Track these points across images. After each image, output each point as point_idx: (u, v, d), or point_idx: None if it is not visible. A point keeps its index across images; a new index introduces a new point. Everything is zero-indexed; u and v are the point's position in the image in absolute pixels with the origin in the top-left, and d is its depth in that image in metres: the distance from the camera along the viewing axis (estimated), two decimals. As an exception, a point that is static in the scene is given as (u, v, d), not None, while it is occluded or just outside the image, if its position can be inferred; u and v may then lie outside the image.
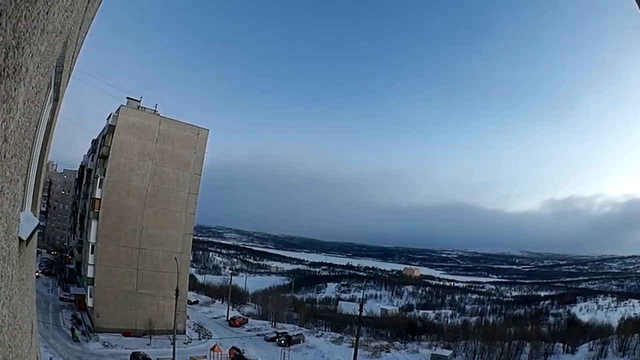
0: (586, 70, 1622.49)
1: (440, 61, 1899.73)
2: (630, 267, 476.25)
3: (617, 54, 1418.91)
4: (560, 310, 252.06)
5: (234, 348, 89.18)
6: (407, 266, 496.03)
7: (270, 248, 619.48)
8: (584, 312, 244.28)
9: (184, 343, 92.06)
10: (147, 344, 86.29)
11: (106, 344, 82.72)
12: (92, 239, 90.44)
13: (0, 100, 3.41)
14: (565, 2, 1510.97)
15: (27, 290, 7.25)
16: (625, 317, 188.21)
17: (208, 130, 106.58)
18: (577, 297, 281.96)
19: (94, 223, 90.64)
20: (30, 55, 4.18)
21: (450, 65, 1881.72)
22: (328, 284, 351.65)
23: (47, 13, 4.37)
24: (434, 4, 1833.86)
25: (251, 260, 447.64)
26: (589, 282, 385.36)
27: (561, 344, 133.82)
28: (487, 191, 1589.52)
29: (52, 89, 7.67)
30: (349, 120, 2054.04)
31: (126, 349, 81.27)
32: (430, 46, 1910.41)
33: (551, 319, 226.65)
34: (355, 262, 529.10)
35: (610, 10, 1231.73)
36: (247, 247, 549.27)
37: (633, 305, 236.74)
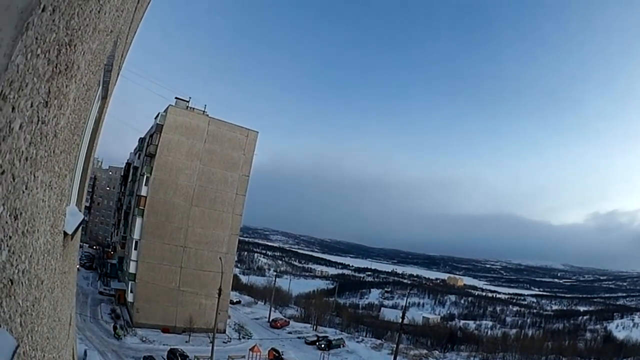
0: (633, 80, 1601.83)
1: (489, 70, 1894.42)
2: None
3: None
4: (598, 327, 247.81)
5: (273, 349, 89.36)
6: (451, 275, 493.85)
7: (316, 252, 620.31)
8: (620, 329, 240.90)
9: (223, 342, 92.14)
10: (186, 341, 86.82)
11: (144, 339, 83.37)
12: (136, 236, 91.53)
13: (52, 97, 3.54)
14: None
15: (68, 283, 7.41)
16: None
17: (257, 132, 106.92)
18: (615, 314, 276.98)
19: (138, 220, 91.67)
20: (82, 52, 4.34)
21: (499, 74, 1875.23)
22: (372, 289, 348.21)
23: (98, 11, 4.56)
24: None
25: (296, 263, 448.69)
26: (627, 299, 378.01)
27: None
28: (533, 202, 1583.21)
29: (101, 87, 7.91)
30: (400, 127, 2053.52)
31: (164, 345, 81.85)
32: (478, 56, 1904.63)
33: (588, 334, 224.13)
34: (400, 269, 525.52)
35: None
36: (293, 249, 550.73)
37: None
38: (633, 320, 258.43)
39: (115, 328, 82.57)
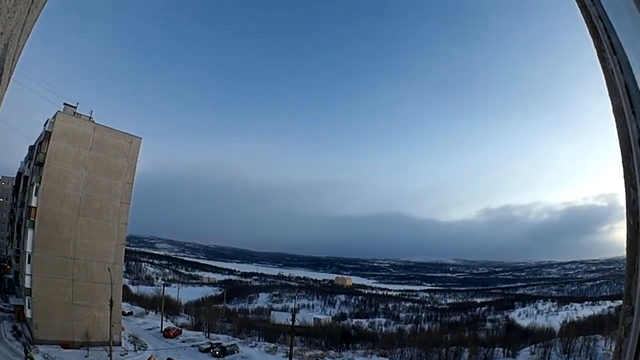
0: (530, 76, 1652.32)
1: (390, 65, 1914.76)
2: (571, 272, 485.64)
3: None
4: (498, 316, 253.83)
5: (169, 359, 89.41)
6: (339, 275, 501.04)
7: (202, 258, 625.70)
8: (523, 317, 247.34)
9: (121, 355, 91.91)
10: (85, 356, 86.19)
11: (46, 356, 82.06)
12: (28, 249, 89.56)
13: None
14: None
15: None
16: (568, 321, 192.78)
17: (141, 138, 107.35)
18: (515, 303, 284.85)
19: (30, 232, 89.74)
20: (-31, 54, 3.82)
21: (400, 71, 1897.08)
22: (260, 294, 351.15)
23: (-12, 12, 4.01)
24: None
25: (183, 271, 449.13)
26: (527, 288, 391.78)
27: (501, 349, 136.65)
28: (422, 201, 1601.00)
29: (-10, 91, 7.27)
30: (286, 129, 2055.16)
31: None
32: (380, 49, 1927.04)
33: (489, 324, 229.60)
34: (286, 272, 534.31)
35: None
36: (179, 257, 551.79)
37: (575, 309, 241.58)
38: (536, 307, 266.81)
39: (26, 351, 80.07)
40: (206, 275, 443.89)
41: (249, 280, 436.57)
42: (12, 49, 7.51)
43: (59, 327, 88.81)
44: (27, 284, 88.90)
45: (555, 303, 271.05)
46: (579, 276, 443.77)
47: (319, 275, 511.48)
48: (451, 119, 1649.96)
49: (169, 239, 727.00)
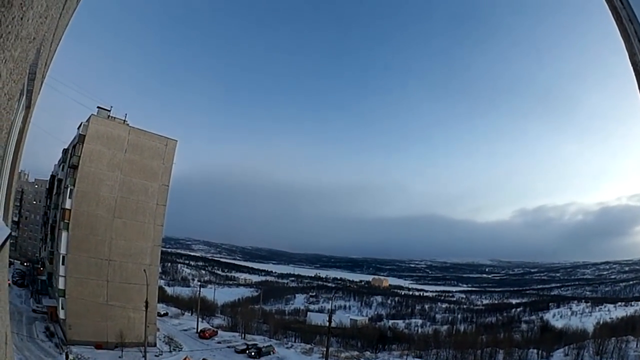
0: (560, 78, 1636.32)
1: (417, 71, 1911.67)
2: (604, 272, 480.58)
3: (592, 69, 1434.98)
4: (533, 317, 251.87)
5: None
6: (376, 276, 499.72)
7: (238, 260, 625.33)
8: (558, 318, 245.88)
9: (155, 355, 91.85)
10: (119, 357, 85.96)
11: (79, 356, 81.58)
12: (62, 250, 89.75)
13: (-27, 106, 3.32)
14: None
15: (0, 301, 7.11)
16: (601, 322, 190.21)
17: (176, 141, 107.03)
18: (550, 304, 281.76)
19: (64, 234, 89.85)
20: (4, 60, 4.08)
21: (428, 75, 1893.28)
22: (296, 295, 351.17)
23: (21, 18, 4.28)
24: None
25: (219, 272, 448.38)
26: (562, 289, 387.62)
27: (535, 350, 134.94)
28: (459, 202, 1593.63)
29: (24, 96, 7.57)
30: (324, 132, 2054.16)
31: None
32: (408, 54, 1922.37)
33: (524, 326, 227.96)
34: (323, 273, 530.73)
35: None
36: (215, 258, 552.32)
37: (608, 310, 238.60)
38: (571, 308, 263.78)
39: (67, 355, 79.63)
40: (243, 276, 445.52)
41: (285, 281, 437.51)
42: (44, 53, 7.77)
43: (92, 327, 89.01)
44: (60, 285, 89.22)
45: (589, 304, 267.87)
46: (613, 277, 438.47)
47: (356, 277, 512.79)
48: (486, 121, 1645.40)
49: (206, 240, 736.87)
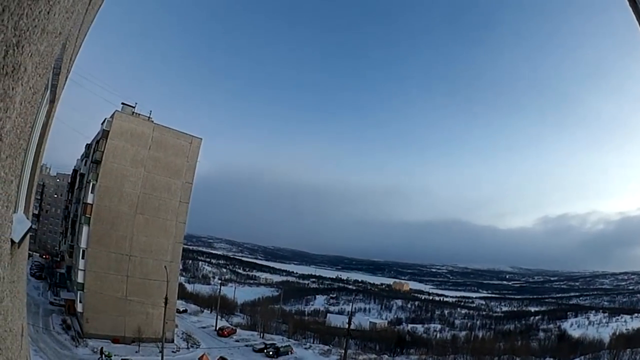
0: (583, 90, 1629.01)
1: (442, 75, 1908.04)
2: (622, 283, 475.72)
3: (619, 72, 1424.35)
4: (551, 326, 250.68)
5: (222, 358, 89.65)
6: (397, 280, 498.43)
7: (260, 259, 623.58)
8: (575, 327, 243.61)
9: (172, 352, 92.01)
10: (136, 352, 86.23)
11: (95, 350, 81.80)
12: (82, 244, 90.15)
13: (-2, 99, 3.36)
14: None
15: (17, 293, 7.17)
16: (617, 333, 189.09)
17: (201, 139, 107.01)
18: (568, 313, 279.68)
19: (85, 228, 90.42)
20: (30, 54, 4.12)
21: (452, 80, 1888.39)
22: (317, 296, 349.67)
23: (48, 13, 4.33)
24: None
25: (240, 271, 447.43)
26: (580, 298, 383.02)
27: (551, 359, 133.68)
28: (481, 208, 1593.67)
29: (48, 91, 7.61)
30: (348, 133, 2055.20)
31: (115, 355, 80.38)
32: (433, 59, 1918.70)
33: (541, 334, 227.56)
34: (344, 275, 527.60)
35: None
36: (237, 257, 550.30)
37: (625, 321, 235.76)
38: (588, 318, 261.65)
39: (102, 351, 79.66)
40: (264, 276, 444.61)
41: (306, 282, 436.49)
42: (69, 48, 7.82)
43: (110, 322, 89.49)
44: (79, 279, 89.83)
45: (606, 314, 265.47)
46: (631, 287, 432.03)
47: (377, 280, 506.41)
48: (512, 129, 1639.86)
49: (228, 239, 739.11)
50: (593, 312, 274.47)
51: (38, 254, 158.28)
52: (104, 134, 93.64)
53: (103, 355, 78.59)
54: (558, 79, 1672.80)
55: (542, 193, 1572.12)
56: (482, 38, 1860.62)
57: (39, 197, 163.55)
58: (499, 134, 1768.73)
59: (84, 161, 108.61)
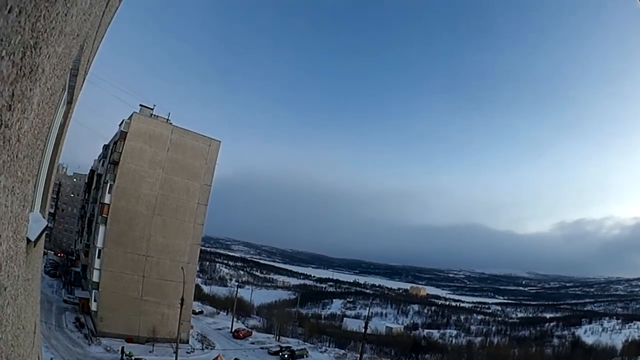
0: (601, 95, 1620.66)
1: (463, 80, 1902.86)
2: (637, 289, 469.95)
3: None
4: (565, 332, 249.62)
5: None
6: (414, 285, 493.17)
7: (278, 262, 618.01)
8: (589, 334, 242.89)
9: (187, 352, 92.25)
10: (150, 351, 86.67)
11: (108, 348, 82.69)
12: (99, 244, 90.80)
13: (16, 100, 3.41)
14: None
15: (32, 290, 7.26)
16: (630, 340, 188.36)
17: (220, 141, 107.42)
18: (582, 320, 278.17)
19: (101, 228, 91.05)
20: (47, 56, 4.19)
21: (474, 85, 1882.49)
22: (334, 300, 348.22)
23: (65, 14, 4.40)
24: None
25: (258, 274, 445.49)
26: (595, 305, 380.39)
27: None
28: (499, 213, 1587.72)
29: (66, 92, 7.73)
30: (367, 136, 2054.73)
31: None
32: (455, 63, 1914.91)
33: (556, 340, 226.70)
34: (362, 279, 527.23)
35: None
36: (255, 260, 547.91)
37: (638, 328, 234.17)
38: (602, 325, 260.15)
39: (122, 350, 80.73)
40: (281, 279, 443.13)
41: (324, 285, 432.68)
42: (87, 50, 7.97)
43: (124, 321, 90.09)
44: (95, 278, 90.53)
45: (619, 321, 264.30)
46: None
47: (394, 284, 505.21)
48: (531, 134, 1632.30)
49: (245, 241, 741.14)
50: (607, 318, 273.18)
51: (53, 252, 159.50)
52: (121, 135, 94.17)
53: (124, 355, 79.29)
54: (577, 83, 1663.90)
55: (559, 198, 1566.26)
56: (501, 40, 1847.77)
57: (55, 197, 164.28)
58: (516, 138, 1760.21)
59: (101, 162, 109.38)
